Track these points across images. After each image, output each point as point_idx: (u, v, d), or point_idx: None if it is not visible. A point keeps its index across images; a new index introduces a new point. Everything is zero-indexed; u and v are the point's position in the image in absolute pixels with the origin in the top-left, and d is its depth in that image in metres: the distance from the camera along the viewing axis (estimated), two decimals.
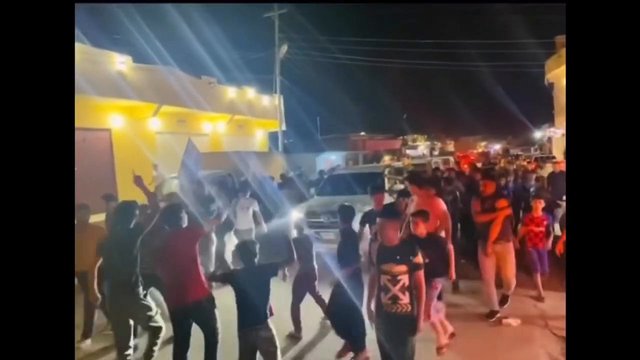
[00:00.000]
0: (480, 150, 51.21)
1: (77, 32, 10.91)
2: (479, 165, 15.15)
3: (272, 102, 20.10)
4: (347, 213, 4.40)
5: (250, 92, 19.26)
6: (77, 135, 11.60)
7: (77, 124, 11.71)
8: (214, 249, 6.18)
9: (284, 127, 20.00)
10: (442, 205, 4.94)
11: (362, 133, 44.42)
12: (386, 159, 25.78)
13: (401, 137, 51.61)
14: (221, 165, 10.65)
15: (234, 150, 13.18)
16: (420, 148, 44.93)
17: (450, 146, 52.00)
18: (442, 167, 12.88)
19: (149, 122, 14.13)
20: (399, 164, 12.51)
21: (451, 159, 18.58)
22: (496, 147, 53.05)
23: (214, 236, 6.12)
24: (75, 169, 11.62)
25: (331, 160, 23.08)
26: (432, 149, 39.29)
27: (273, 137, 20.92)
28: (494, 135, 68.11)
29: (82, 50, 10.97)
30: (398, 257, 3.03)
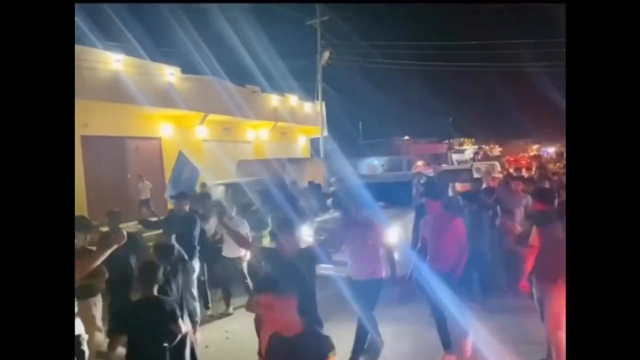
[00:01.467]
0: (532, 153, 48.66)
1: (137, 47, 11.52)
2: (525, 171, 13.61)
3: (314, 108, 20.28)
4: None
5: (293, 99, 19.55)
6: (130, 144, 12.43)
7: (130, 133, 12.47)
8: (195, 277, 5.07)
9: (325, 133, 20.09)
10: (463, 228, 4.05)
11: (406, 137, 43.65)
12: (419, 164, 23.12)
13: (447, 141, 50.18)
14: (263, 172, 10.87)
15: (276, 157, 13.43)
16: (467, 152, 43.36)
17: (495, 150, 48.71)
18: (482, 174, 11.67)
19: (196, 130, 14.72)
20: (429, 172, 11.42)
21: (497, 164, 16.28)
22: (549, 151, 50.15)
23: (195, 264, 5.06)
24: (128, 175, 12.24)
25: (373, 165, 22.88)
26: (475, 154, 36.38)
27: (315, 143, 21.08)
28: (547, 137, 64.42)
29: (136, 64, 11.65)
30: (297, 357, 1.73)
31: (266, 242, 6.38)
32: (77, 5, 8.78)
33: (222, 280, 5.83)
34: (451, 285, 3.85)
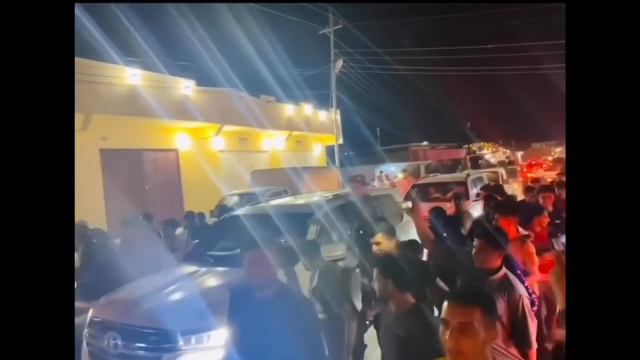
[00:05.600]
0: (556, 157, 47.36)
1: (154, 62, 11.75)
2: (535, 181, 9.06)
3: (329, 117, 20.31)
4: None
5: (308, 109, 19.64)
6: (148, 156, 12.66)
7: (147, 145, 12.66)
8: None
9: (341, 141, 20.08)
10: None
11: (425, 143, 43.28)
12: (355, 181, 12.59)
13: (466, 146, 49.47)
14: (279, 182, 10.90)
15: (291, 166, 13.46)
16: (487, 157, 42.55)
17: (500, 153, 43.65)
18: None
19: (212, 142, 14.93)
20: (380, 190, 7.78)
21: (502, 172, 12.24)
22: None
23: None
24: (146, 187, 12.33)
25: (391, 171, 22.67)
26: (475, 158, 30.74)
27: (331, 151, 21.09)
28: None
29: (152, 78, 11.93)
30: None
31: None
32: (94, 23, 9.09)
33: None
34: None
